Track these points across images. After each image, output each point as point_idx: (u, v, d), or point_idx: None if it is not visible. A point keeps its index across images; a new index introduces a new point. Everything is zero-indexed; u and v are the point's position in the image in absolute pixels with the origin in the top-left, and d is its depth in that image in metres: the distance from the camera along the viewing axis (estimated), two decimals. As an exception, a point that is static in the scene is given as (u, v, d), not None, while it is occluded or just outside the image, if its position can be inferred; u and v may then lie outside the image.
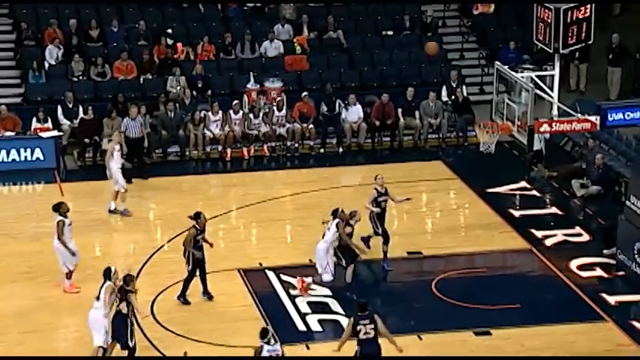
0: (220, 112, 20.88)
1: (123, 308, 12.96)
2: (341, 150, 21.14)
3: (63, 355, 13.72)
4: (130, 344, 12.99)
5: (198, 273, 14.95)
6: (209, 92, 21.84)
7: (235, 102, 21.01)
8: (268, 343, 11.88)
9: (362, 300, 12.72)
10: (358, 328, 12.19)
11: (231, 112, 20.89)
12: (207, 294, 15.04)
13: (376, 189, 15.83)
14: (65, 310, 14.81)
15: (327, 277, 15.26)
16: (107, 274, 13.22)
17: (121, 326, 12.98)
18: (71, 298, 15.12)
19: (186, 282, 14.92)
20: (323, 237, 15.31)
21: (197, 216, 14.99)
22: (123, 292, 13.05)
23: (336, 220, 15.15)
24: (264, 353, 11.85)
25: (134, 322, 13.15)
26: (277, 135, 21.03)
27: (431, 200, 19.08)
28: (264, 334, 11.98)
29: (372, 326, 12.23)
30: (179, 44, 22.81)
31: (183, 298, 14.92)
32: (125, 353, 12.97)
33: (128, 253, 16.83)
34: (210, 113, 20.92)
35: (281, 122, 20.97)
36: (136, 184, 19.47)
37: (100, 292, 13.13)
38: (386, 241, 15.83)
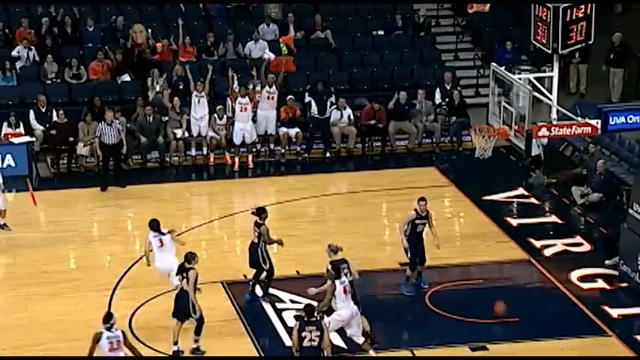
0: (206, 112, 20.71)
1: (185, 285, 13.62)
2: (328, 155, 21.08)
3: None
4: (195, 316, 13.67)
5: (256, 271, 15.14)
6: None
7: (219, 107, 20.97)
8: (109, 329, 12.00)
9: (309, 304, 12.57)
10: (303, 334, 12.08)
11: (215, 117, 20.86)
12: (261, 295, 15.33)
13: (416, 210, 15.37)
14: (37, 326, 14.71)
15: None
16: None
17: (183, 302, 13.62)
18: (42, 313, 15.03)
19: (269, 280, 15.08)
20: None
21: (262, 211, 15.18)
22: (184, 269, 13.69)
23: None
24: (103, 339, 12.00)
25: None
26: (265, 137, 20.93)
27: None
28: (107, 318, 12.13)
29: (318, 334, 12.14)
30: (159, 44, 22.77)
31: (267, 297, 15.14)
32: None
33: (104, 265, 16.76)
34: (193, 112, 20.67)
35: (272, 95, 20.70)
36: (114, 192, 19.42)
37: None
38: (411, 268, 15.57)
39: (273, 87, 20.82)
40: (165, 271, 14.97)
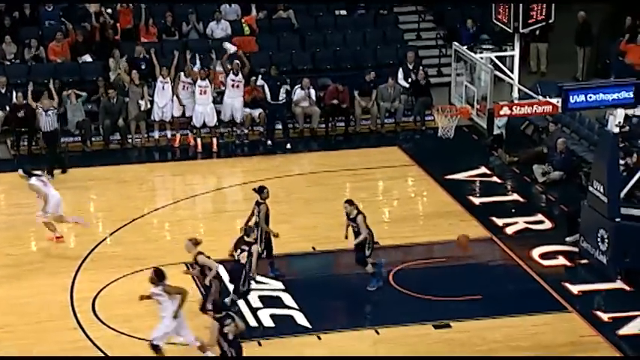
0: (169, 79, 20.48)
1: (242, 258, 13.81)
2: (288, 145, 20.67)
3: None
4: (242, 289, 13.84)
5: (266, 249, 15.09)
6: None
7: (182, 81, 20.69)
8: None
9: (219, 300, 12.45)
10: (225, 330, 12.04)
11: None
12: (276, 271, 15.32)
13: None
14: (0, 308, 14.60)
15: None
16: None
17: (237, 272, 13.78)
18: (4, 296, 14.89)
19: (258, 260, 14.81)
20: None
21: (261, 190, 15.10)
22: (244, 243, 13.92)
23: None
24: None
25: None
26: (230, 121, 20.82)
27: (388, 188, 19.15)
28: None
29: (234, 323, 12.14)
30: (119, 24, 22.54)
31: (250, 282, 14.66)
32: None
33: (67, 247, 16.63)
34: (159, 81, 20.46)
35: (237, 83, 20.56)
36: (75, 174, 19.29)
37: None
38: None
39: (239, 75, 20.68)
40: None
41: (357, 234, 14.90)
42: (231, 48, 21.70)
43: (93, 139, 20.68)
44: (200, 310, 13.86)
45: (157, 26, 22.76)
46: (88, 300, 14.72)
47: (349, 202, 15.00)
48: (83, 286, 15.13)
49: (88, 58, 21.99)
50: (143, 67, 21.53)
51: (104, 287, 15.12)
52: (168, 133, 20.89)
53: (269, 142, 20.72)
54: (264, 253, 15.12)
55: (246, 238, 14.11)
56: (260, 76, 21.48)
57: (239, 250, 14.07)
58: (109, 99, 20.62)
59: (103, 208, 18.20)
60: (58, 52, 21.86)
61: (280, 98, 20.64)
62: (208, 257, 13.89)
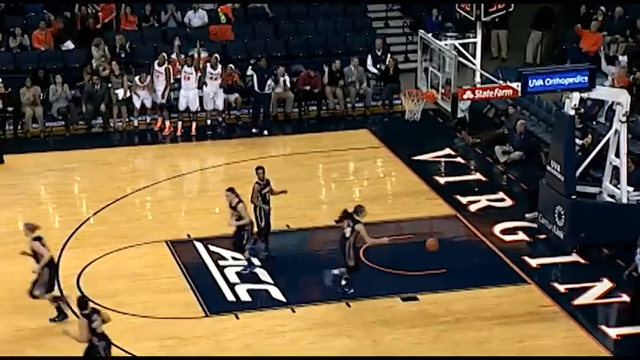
0: (148, 77, 20.44)
1: (347, 232, 13.84)
2: (265, 134, 20.51)
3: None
4: (351, 264, 13.91)
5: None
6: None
7: (143, 74, 20.44)
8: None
9: (81, 297, 12.19)
10: (94, 325, 11.74)
11: (136, 80, 20.40)
12: (268, 251, 15.16)
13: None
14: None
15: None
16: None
17: (342, 246, 13.91)
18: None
19: (259, 236, 14.97)
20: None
21: (256, 171, 15.07)
22: (352, 219, 13.87)
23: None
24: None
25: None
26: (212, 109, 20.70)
27: (358, 169, 19.18)
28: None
29: (100, 318, 11.79)
30: (100, 13, 22.34)
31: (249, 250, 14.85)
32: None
33: (52, 227, 16.54)
34: (137, 79, 20.46)
35: (215, 76, 20.40)
36: (59, 156, 19.19)
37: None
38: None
39: (218, 68, 20.56)
40: None
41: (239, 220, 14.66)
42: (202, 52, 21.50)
43: (76, 124, 20.49)
44: (29, 294, 13.43)
45: (136, 15, 22.57)
46: (73, 277, 14.67)
47: (231, 190, 14.74)
48: (68, 263, 15.06)
49: (70, 45, 21.79)
50: (123, 55, 21.36)
51: (88, 264, 15.07)
52: (148, 119, 20.68)
53: (254, 130, 20.60)
54: (264, 232, 15.08)
55: (355, 216, 13.92)
56: (250, 67, 21.39)
57: (345, 223, 13.95)
58: (93, 85, 20.46)
59: (87, 189, 18.10)
60: (41, 41, 21.64)
61: (267, 90, 20.53)
62: (44, 245, 13.38)
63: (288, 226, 16.38)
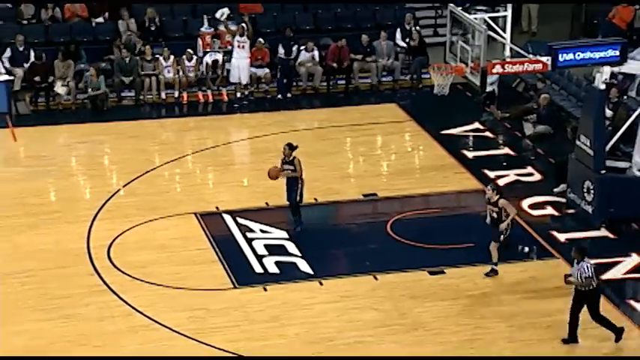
0: (172, 57, 20.54)
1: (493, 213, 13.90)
2: (289, 96, 20.75)
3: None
4: (505, 234, 13.81)
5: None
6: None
7: (188, 50, 20.64)
8: None
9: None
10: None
11: (184, 59, 20.56)
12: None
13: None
14: (20, 255, 14.60)
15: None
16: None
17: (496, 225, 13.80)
18: (25, 243, 14.91)
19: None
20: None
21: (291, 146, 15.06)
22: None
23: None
24: None
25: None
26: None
27: (386, 143, 19.07)
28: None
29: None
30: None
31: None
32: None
33: (83, 198, 16.62)
34: (162, 58, 20.59)
35: (242, 44, 20.40)
36: (90, 128, 19.24)
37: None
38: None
39: (244, 36, 20.51)
40: None
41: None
42: (224, 12, 21.49)
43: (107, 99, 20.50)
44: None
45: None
46: (103, 247, 14.74)
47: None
48: (99, 234, 15.14)
49: (100, 19, 21.80)
50: (153, 28, 21.33)
51: (119, 235, 15.13)
52: (176, 93, 20.70)
53: (279, 96, 20.64)
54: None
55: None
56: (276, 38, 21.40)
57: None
58: (122, 58, 20.47)
59: (117, 161, 18.16)
60: (74, 13, 21.67)
61: (293, 55, 20.67)
62: None
63: (315, 199, 16.34)
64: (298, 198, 15.08)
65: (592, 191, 15.52)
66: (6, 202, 16.21)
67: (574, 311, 12.48)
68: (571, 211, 15.98)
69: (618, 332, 12.58)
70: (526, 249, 14.16)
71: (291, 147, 15.06)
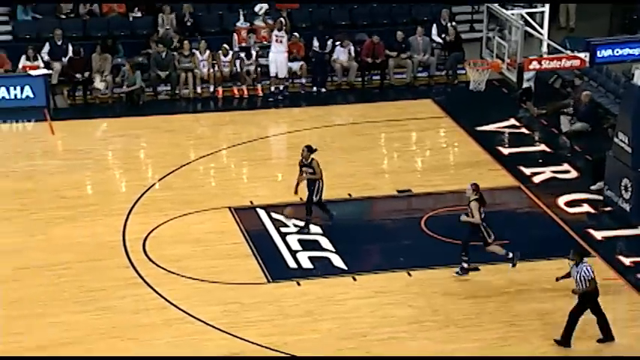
0: (208, 51, 20.61)
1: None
2: (323, 90, 20.75)
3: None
4: (490, 240, 13.68)
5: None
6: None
7: (224, 45, 20.69)
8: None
9: None
10: None
11: (220, 54, 20.62)
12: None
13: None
14: (57, 247, 14.75)
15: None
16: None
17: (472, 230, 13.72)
18: (62, 236, 15.06)
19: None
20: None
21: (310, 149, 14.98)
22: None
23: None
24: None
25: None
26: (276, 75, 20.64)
27: (420, 139, 18.99)
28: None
29: None
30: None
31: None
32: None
33: (119, 191, 16.75)
34: (198, 52, 20.66)
35: (280, 38, 20.42)
36: (127, 122, 19.38)
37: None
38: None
39: (282, 30, 20.54)
40: None
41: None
42: (263, 7, 21.49)
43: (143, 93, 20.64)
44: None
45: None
46: (139, 241, 14.85)
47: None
48: (134, 227, 15.25)
49: (138, 13, 21.94)
50: (189, 24, 21.42)
51: (154, 229, 15.22)
52: (211, 88, 20.75)
53: (314, 89, 20.69)
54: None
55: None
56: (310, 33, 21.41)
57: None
58: (159, 53, 20.59)
59: (152, 155, 18.27)
60: (112, 8, 21.83)
61: (327, 50, 20.70)
62: None
63: (350, 195, 16.32)
64: (317, 197, 14.96)
65: (630, 189, 15.33)
66: (44, 195, 16.38)
67: (574, 315, 12.30)
68: (608, 208, 15.81)
69: (609, 338, 12.35)
70: (510, 254, 13.96)
71: (310, 149, 14.94)
